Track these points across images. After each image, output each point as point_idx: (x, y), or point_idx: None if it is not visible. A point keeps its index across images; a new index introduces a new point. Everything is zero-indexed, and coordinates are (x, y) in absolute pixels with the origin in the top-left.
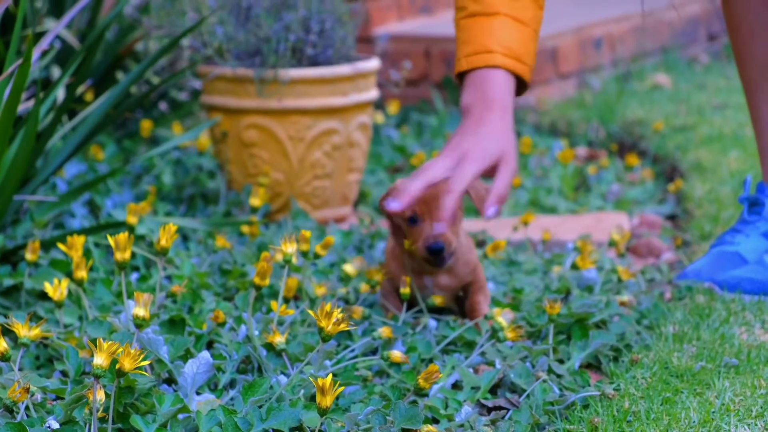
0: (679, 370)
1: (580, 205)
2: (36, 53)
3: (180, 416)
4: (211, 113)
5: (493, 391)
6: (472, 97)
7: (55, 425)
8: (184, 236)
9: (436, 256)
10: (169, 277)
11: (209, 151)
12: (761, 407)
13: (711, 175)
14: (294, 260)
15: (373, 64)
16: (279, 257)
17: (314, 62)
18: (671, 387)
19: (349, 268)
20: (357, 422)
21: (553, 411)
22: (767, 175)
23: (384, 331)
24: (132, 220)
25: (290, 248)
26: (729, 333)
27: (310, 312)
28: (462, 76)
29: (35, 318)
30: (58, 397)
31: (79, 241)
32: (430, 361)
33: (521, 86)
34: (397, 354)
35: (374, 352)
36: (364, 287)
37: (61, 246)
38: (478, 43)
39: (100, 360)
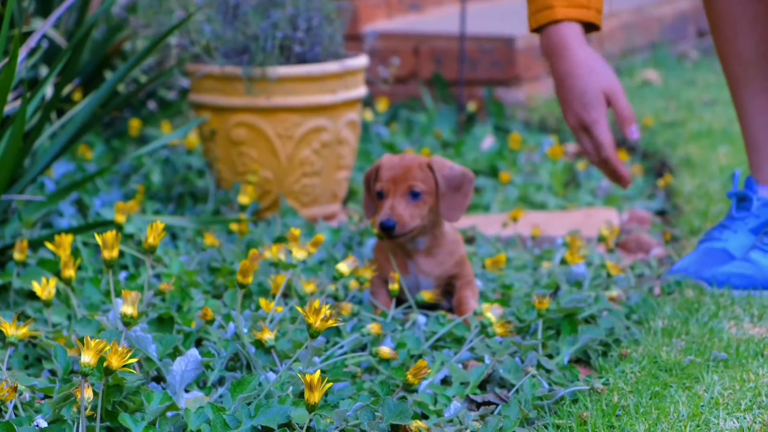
0: (668, 365)
1: (569, 201)
2: (23, 52)
3: (169, 414)
4: (200, 112)
5: (483, 386)
6: (549, 53)
7: (44, 424)
8: (173, 235)
9: (387, 232)
10: (157, 276)
11: (198, 150)
12: (750, 401)
13: (700, 170)
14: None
15: (362, 61)
16: (268, 255)
17: (302, 60)
18: (660, 381)
19: (342, 267)
20: (346, 418)
21: (542, 406)
22: (755, 169)
23: (373, 328)
24: (120, 218)
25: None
26: (718, 327)
27: (299, 309)
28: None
29: (23, 317)
30: (46, 396)
31: (67, 240)
32: (420, 357)
33: (593, 27)
34: (386, 350)
35: (363, 348)
36: (353, 284)
37: (49, 245)
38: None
39: (87, 358)
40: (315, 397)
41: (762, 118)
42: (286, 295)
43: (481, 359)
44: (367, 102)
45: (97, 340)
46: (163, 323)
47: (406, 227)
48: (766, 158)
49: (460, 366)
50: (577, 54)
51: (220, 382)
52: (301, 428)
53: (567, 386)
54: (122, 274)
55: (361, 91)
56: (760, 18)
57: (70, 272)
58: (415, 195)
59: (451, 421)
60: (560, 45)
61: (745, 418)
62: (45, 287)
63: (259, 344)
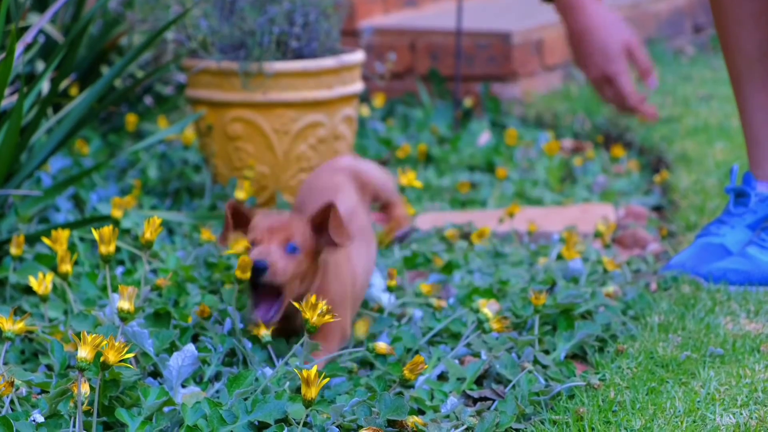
0: (665, 360)
1: (565, 196)
2: (19, 47)
3: (165, 409)
4: (196, 107)
5: (479, 382)
6: (565, 12)
7: (40, 419)
8: (169, 230)
9: (256, 273)
10: (154, 271)
11: (194, 145)
12: (746, 396)
13: (697, 166)
14: None
15: (358, 56)
16: None
17: (299, 55)
18: (656, 377)
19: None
20: (342, 414)
21: (538, 401)
22: (754, 165)
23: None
24: (117, 213)
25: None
26: (714, 323)
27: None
28: None
29: (20, 312)
30: (43, 391)
31: (63, 235)
32: (416, 352)
33: None
34: (382, 345)
35: (360, 343)
36: None
37: (45, 240)
38: None
39: (84, 353)
40: (312, 393)
41: (763, 114)
42: None
43: (477, 355)
44: (364, 97)
45: (94, 335)
46: (159, 318)
47: (277, 276)
48: (767, 155)
49: (457, 362)
50: (593, 10)
51: (217, 377)
52: (298, 424)
53: (563, 382)
54: (119, 270)
55: (358, 86)
56: (765, 15)
57: (66, 267)
58: (293, 249)
59: (447, 416)
60: (576, 3)
61: (741, 414)
62: (41, 282)
63: (255, 340)
